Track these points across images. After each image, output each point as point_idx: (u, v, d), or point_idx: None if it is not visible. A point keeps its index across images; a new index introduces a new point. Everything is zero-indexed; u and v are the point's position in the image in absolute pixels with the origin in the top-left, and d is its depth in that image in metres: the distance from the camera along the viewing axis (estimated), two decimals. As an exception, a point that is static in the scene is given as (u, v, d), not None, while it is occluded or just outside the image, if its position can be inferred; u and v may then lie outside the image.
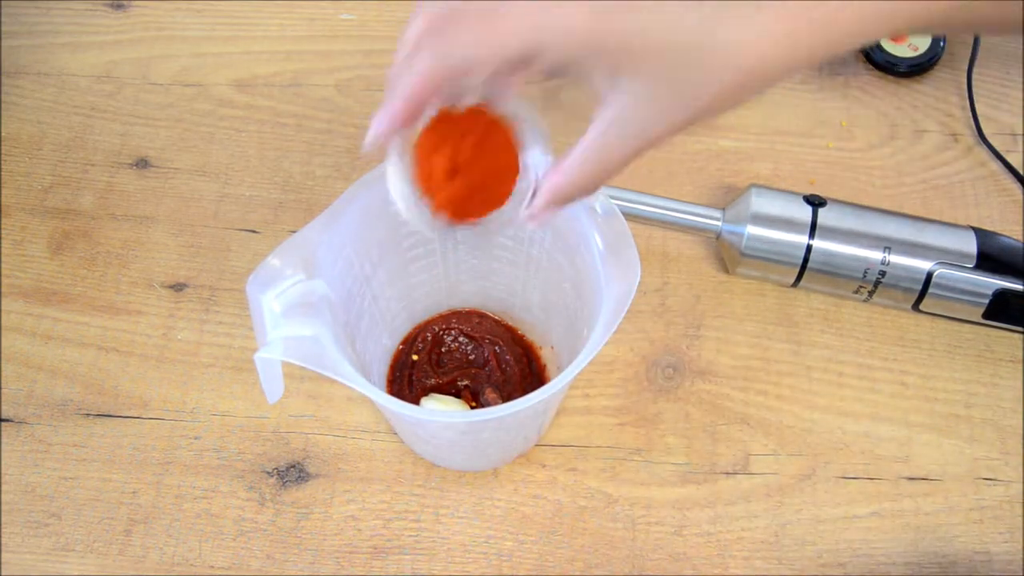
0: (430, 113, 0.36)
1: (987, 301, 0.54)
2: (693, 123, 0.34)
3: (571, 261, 0.46)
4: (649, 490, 0.52)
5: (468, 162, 0.37)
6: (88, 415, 0.54)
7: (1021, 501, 0.52)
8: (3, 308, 0.57)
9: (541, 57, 0.33)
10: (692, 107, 0.33)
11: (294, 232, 0.42)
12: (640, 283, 0.40)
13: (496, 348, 0.54)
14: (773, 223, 0.54)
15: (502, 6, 0.33)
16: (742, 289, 0.58)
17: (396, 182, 0.38)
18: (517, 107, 0.37)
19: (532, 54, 0.33)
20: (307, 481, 0.52)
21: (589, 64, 0.33)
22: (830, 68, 0.66)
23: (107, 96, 0.66)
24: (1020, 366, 0.56)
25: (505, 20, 0.33)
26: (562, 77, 0.35)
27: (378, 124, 0.35)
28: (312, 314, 0.40)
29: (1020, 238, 0.59)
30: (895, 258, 0.54)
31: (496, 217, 0.39)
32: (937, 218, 0.57)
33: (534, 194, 0.37)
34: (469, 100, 0.36)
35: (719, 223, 0.56)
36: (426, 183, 0.38)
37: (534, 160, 0.37)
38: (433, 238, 0.49)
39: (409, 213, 0.38)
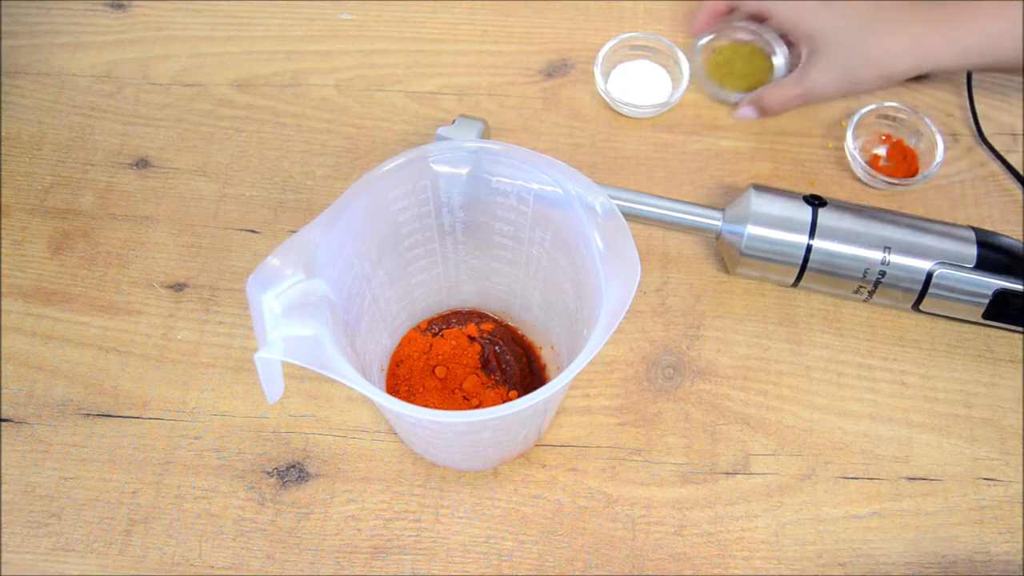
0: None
1: (987, 301, 0.54)
2: (849, 94, 0.64)
3: (571, 261, 0.46)
4: (649, 490, 0.52)
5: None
6: (88, 415, 0.54)
7: (1021, 501, 0.52)
8: (3, 308, 0.57)
9: (771, 19, 0.64)
10: (850, 84, 0.61)
11: (294, 232, 0.42)
12: (640, 283, 0.41)
13: (496, 348, 0.54)
14: (773, 223, 0.54)
15: None
16: (742, 289, 0.58)
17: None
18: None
19: (765, 15, 0.64)
20: (307, 481, 0.52)
21: (797, 35, 0.62)
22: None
23: (107, 96, 0.66)
24: (1020, 366, 0.56)
25: None
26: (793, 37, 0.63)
27: (698, 24, 0.66)
28: (312, 314, 0.40)
29: (1020, 238, 0.59)
30: (895, 258, 0.54)
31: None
32: (937, 218, 0.57)
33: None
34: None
35: (719, 223, 0.56)
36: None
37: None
38: (433, 238, 0.49)
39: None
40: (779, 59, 0.66)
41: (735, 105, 0.65)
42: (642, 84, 0.65)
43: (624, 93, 0.64)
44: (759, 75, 0.66)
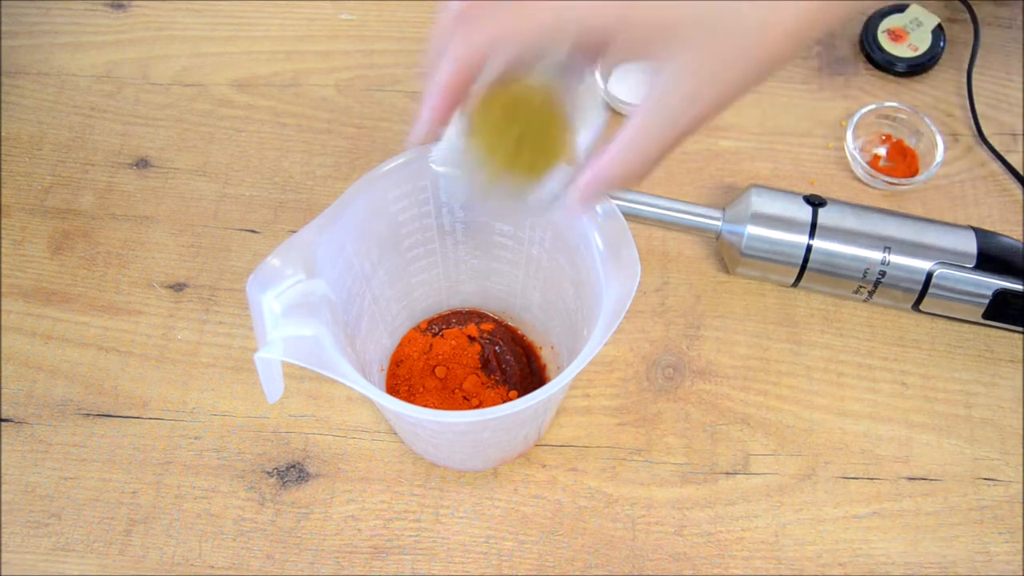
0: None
1: (987, 301, 0.54)
2: (725, 102, 0.35)
3: (571, 261, 0.46)
4: (649, 490, 0.52)
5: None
6: (88, 415, 0.54)
7: (1021, 501, 0.52)
8: (3, 308, 0.57)
9: (568, 32, 0.34)
10: (724, 83, 0.35)
11: (294, 232, 0.42)
12: (640, 283, 0.40)
13: (496, 348, 0.54)
14: (773, 223, 0.54)
15: None
16: (742, 289, 0.58)
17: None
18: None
19: (561, 30, 0.34)
20: (307, 481, 0.52)
21: (622, 41, 0.34)
22: (830, 68, 0.66)
23: (107, 96, 0.66)
24: (1020, 366, 0.56)
25: (533, 3, 0.33)
26: (616, 60, 0.36)
27: (422, 122, 0.36)
28: (312, 314, 0.40)
29: (1020, 238, 0.59)
30: (895, 258, 0.54)
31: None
32: (937, 218, 0.57)
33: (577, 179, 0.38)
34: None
35: (719, 223, 0.56)
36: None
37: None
38: (433, 238, 0.49)
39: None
40: (590, 102, 0.39)
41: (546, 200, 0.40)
42: (642, 84, 0.65)
43: (624, 93, 0.64)
44: (556, 137, 0.39)
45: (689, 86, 0.34)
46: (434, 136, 0.37)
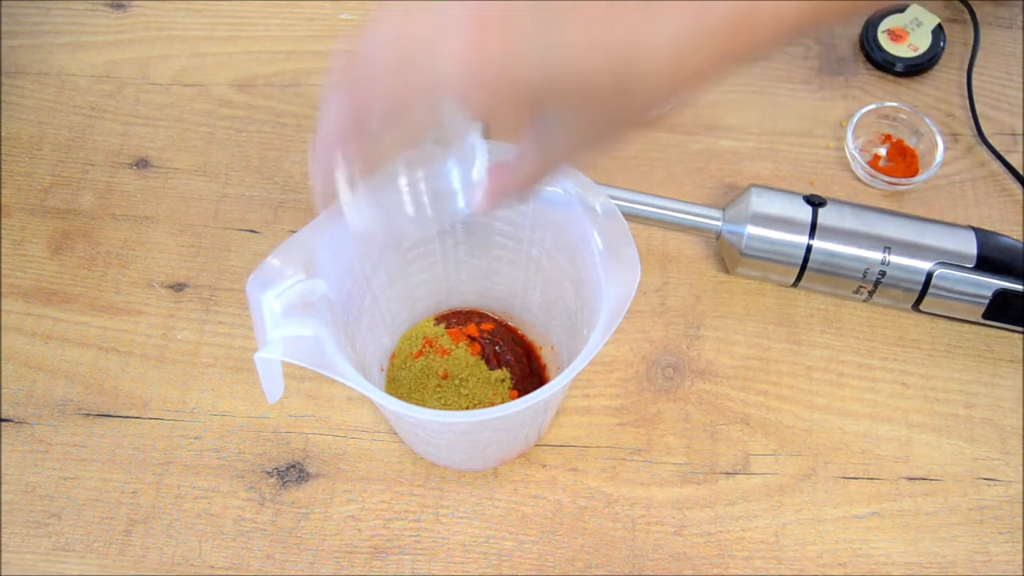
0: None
1: (987, 301, 0.54)
2: (615, 139, 0.36)
3: (571, 261, 0.46)
4: (649, 490, 0.52)
5: None
6: (88, 415, 0.54)
7: (1021, 501, 0.52)
8: (3, 308, 0.57)
9: (466, 101, 0.33)
10: (619, 122, 0.35)
11: (294, 232, 0.42)
12: (640, 283, 0.40)
13: (496, 348, 0.54)
14: (773, 223, 0.54)
15: (423, 56, 0.33)
16: (742, 289, 0.58)
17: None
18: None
19: (457, 99, 0.33)
20: (307, 481, 0.52)
21: (510, 107, 0.34)
22: (830, 68, 0.66)
23: (107, 96, 0.66)
24: (1020, 366, 0.56)
25: (431, 67, 0.33)
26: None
27: (318, 197, 0.38)
28: (312, 314, 0.40)
29: (1020, 238, 0.59)
30: (895, 258, 0.54)
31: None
32: (937, 218, 0.57)
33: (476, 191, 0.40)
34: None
35: (719, 223, 0.56)
36: None
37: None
38: (433, 238, 0.49)
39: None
40: None
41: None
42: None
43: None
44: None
45: (583, 127, 0.35)
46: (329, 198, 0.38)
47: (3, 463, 0.53)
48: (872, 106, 0.63)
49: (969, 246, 0.54)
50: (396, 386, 0.53)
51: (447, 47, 0.32)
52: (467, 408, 0.52)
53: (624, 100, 0.33)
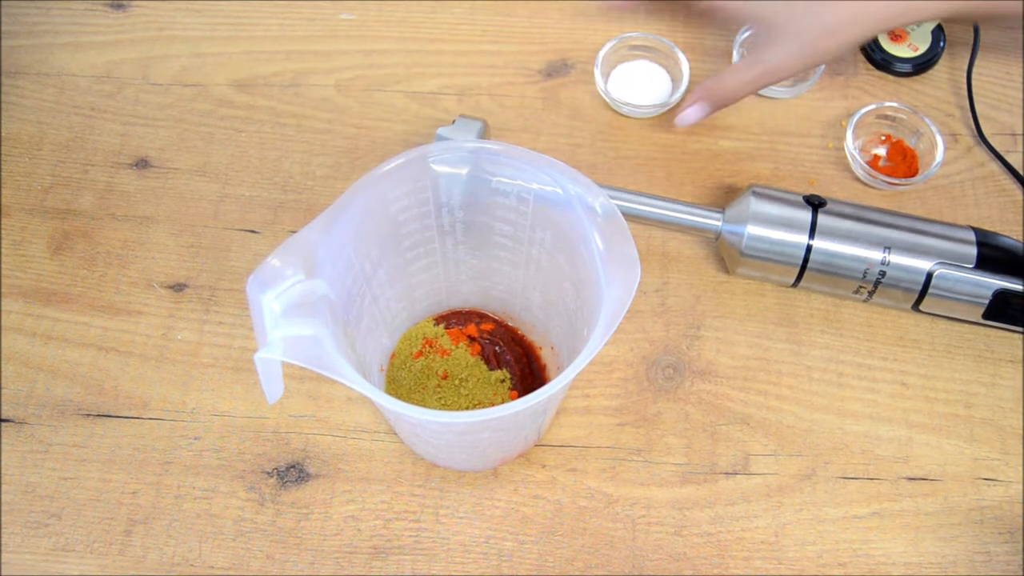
0: None
1: (987, 301, 0.54)
2: (809, 67, 0.59)
3: (571, 261, 0.46)
4: (649, 490, 0.52)
5: None
6: (88, 415, 0.54)
7: (1021, 501, 0.52)
8: (3, 308, 0.57)
9: (726, 15, 0.61)
10: (809, 56, 0.57)
11: (294, 232, 0.42)
12: (640, 283, 0.41)
13: (496, 348, 0.54)
14: (773, 223, 0.54)
15: None
16: (742, 289, 0.58)
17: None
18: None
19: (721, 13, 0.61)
20: (307, 481, 0.52)
21: (744, 16, 0.61)
22: (830, 68, 0.66)
23: (107, 96, 0.66)
24: (1020, 366, 0.56)
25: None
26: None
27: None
28: (312, 314, 0.40)
29: (1020, 238, 0.59)
30: (895, 258, 0.54)
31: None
32: (937, 218, 0.57)
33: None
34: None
35: (719, 223, 0.56)
36: None
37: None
38: (433, 238, 0.49)
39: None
40: None
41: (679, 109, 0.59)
42: (642, 84, 0.65)
43: (624, 93, 0.64)
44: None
45: (787, 52, 0.57)
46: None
47: (3, 463, 0.53)
48: (872, 106, 0.63)
49: (969, 246, 0.54)
50: (396, 386, 0.53)
51: None
52: (467, 408, 0.52)
53: (814, 37, 0.56)
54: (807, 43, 0.56)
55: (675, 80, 0.65)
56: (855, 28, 0.56)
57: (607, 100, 0.64)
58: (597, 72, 0.64)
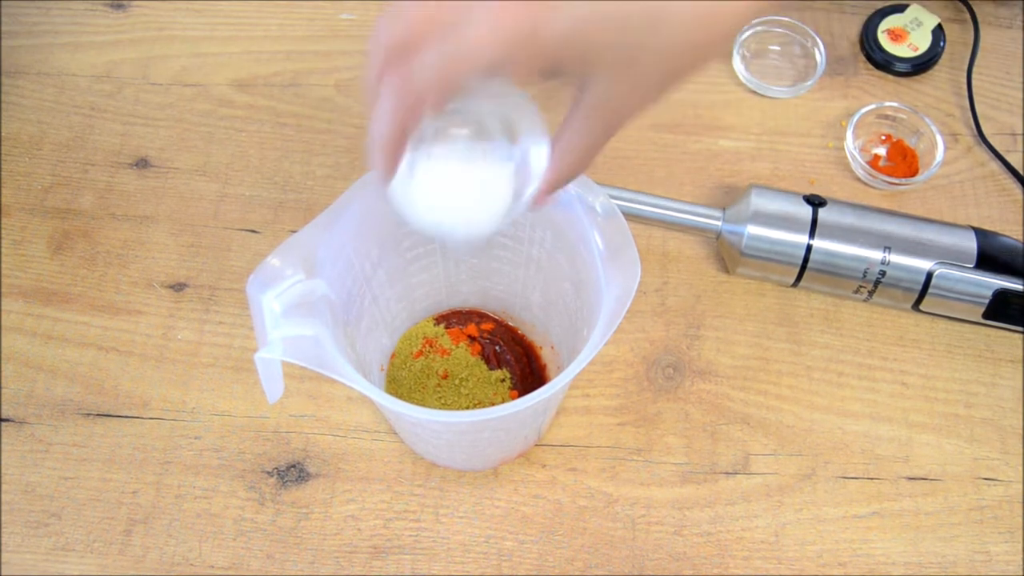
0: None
1: (987, 301, 0.54)
2: (658, 96, 0.38)
3: (571, 261, 0.46)
4: (649, 490, 0.52)
5: None
6: (88, 415, 0.54)
7: (1021, 501, 0.52)
8: (3, 308, 0.57)
9: (496, 69, 0.35)
10: (652, 85, 0.38)
11: (294, 232, 0.42)
12: (640, 283, 0.40)
13: (496, 348, 0.54)
14: (773, 223, 0.54)
15: (460, 23, 0.34)
16: (742, 289, 0.58)
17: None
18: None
19: (497, 67, 0.34)
20: (307, 481, 0.52)
21: (558, 67, 0.36)
22: (830, 68, 0.66)
23: (107, 96, 0.66)
24: (1020, 366, 0.56)
25: (466, 35, 0.34)
26: (549, 78, 0.37)
27: (377, 172, 0.38)
28: (312, 314, 0.40)
29: (1020, 238, 0.59)
30: (895, 258, 0.54)
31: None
32: (937, 218, 0.57)
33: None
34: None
35: (719, 223, 0.56)
36: None
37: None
38: (433, 238, 0.49)
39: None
40: None
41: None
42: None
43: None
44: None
45: (621, 91, 0.37)
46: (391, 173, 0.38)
47: (3, 463, 0.53)
48: (872, 106, 0.63)
49: (969, 246, 0.54)
50: (396, 386, 0.53)
51: (480, 13, 0.33)
52: (467, 408, 0.52)
53: (657, 55, 0.36)
54: (649, 66, 0.37)
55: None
56: (712, 31, 0.37)
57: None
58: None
